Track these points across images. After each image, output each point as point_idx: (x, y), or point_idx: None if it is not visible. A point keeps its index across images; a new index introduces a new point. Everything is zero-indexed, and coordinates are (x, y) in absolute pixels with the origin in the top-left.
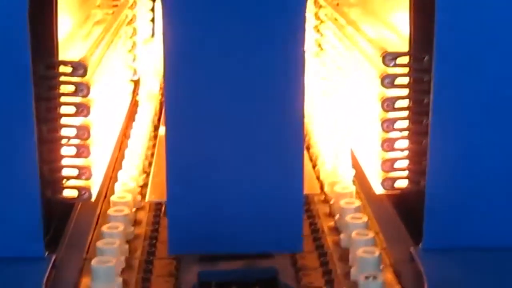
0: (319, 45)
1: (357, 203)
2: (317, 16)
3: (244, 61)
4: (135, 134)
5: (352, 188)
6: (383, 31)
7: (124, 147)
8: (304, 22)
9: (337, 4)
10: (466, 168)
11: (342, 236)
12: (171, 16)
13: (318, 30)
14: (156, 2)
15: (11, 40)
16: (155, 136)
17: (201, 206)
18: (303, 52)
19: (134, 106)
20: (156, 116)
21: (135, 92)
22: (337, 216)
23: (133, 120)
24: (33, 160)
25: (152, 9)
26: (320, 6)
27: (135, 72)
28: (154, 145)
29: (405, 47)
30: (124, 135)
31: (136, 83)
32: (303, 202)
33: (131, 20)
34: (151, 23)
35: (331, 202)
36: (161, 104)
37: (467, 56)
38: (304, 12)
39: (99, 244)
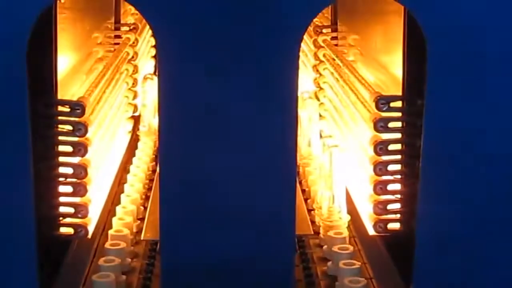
0: (318, 85)
1: (351, 248)
2: (316, 57)
3: (238, 100)
4: (134, 169)
5: (346, 234)
6: (378, 74)
7: (123, 182)
8: (297, 63)
9: (336, 45)
10: (456, 213)
11: (336, 283)
12: (165, 54)
13: (317, 70)
14: None
15: (10, 77)
16: (154, 171)
17: (193, 250)
18: (296, 92)
19: (134, 141)
20: (155, 152)
21: (135, 128)
22: (329, 263)
23: (133, 155)
24: (30, 197)
25: (155, 46)
26: (320, 47)
27: (135, 109)
28: (152, 180)
29: (398, 91)
30: (124, 170)
31: (137, 119)
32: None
33: (133, 57)
34: (154, 59)
35: (324, 248)
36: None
37: (458, 103)
38: (298, 53)
39: (95, 277)
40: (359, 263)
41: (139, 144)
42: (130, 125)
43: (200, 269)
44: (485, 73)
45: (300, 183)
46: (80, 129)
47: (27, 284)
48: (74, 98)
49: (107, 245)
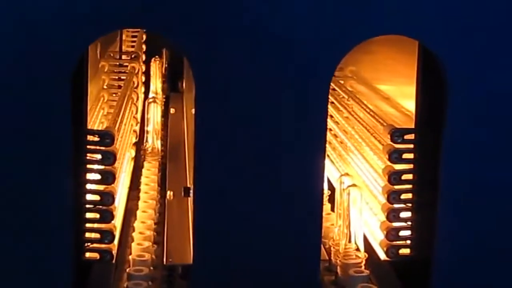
0: None
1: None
2: None
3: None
4: (143, 196)
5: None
6: (384, 106)
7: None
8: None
9: (334, 76)
10: (471, 243)
11: None
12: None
13: None
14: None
15: (56, 108)
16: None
17: (224, 269)
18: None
19: (137, 168)
20: (160, 177)
21: (137, 153)
22: None
23: (139, 180)
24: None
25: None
26: None
27: (137, 136)
28: (161, 210)
29: (409, 124)
30: (129, 196)
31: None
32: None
33: (136, 86)
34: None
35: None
36: (162, 165)
37: (474, 135)
38: (327, 98)
39: None
40: None
41: (145, 167)
42: (133, 151)
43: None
44: (500, 107)
45: None
46: (109, 158)
47: None
48: (93, 127)
49: (130, 271)
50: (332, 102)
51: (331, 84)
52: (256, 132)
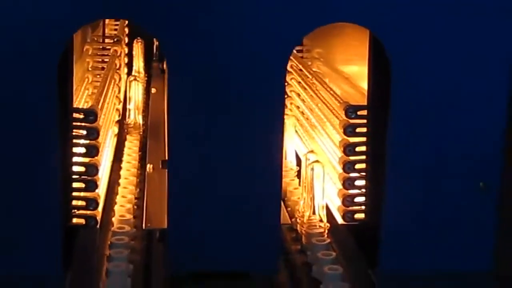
0: (286, 93)
1: (333, 254)
2: None
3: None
4: (126, 165)
5: (327, 240)
6: (341, 84)
7: (113, 180)
8: (284, 86)
9: (302, 57)
10: (415, 207)
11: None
12: (175, 93)
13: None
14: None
15: (43, 89)
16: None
17: (195, 232)
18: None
19: (118, 142)
20: (140, 152)
21: (120, 130)
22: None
23: (122, 154)
24: (56, 190)
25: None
26: None
27: (119, 114)
28: (140, 181)
29: (360, 100)
30: (112, 168)
31: (119, 122)
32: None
33: (119, 68)
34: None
35: (308, 253)
36: (144, 140)
37: (419, 111)
38: (285, 76)
39: (109, 265)
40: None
41: (127, 142)
42: (116, 128)
43: (200, 246)
44: (445, 85)
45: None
46: (93, 133)
47: (52, 269)
48: (79, 106)
49: (114, 228)
50: (300, 82)
51: (299, 65)
52: (222, 110)
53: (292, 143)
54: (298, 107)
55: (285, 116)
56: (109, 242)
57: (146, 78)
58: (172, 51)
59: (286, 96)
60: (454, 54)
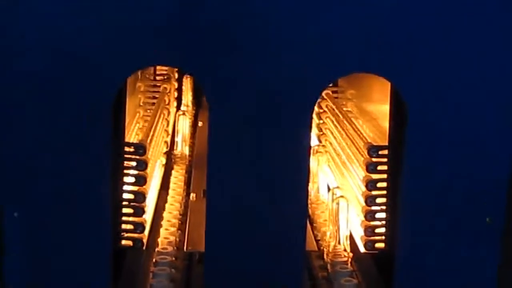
0: (320, 130)
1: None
2: (319, 106)
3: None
4: (171, 193)
5: (350, 268)
6: (369, 124)
7: (159, 207)
8: (311, 123)
9: (336, 97)
10: (427, 237)
11: None
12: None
13: (319, 117)
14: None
15: (99, 125)
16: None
17: (229, 256)
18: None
19: (166, 172)
20: (185, 181)
21: (168, 160)
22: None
23: (168, 183)
24: (108, 216)
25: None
26: (323, 98)
27: (167, 146)
28: (184, 208)
29: (385, 141)
30: (159, 195)
31: (167, 153)
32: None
33: (168, 103)
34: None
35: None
36: (189, 170)
37: (430, 151)
38: (312, 114)
39: (153, 281)
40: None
41: (173, 172)
42: (164, 159)
43: (235, 270)
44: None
45: (310, 223)
46: (142, 165)
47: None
48: (130, 140)
49: (159, 249)
50: (333, 121)
51: (333, 105)
52: (255, 148)
53: (325, 177)
54: (331, 144)
55: (320, 153)
56: (154, 261)
57: (194, 112)
58: (212, 94)
59: (321, 133)
60: (462, 99)
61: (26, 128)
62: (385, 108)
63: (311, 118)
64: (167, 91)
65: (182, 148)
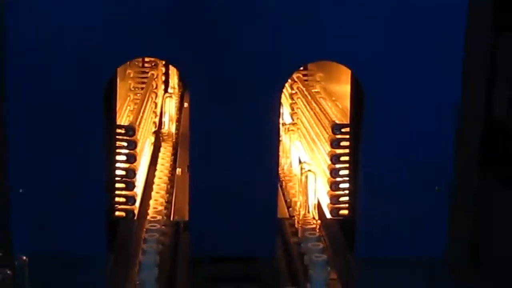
0: (292, 109)
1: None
2: (291, 88)
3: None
4: (160, 167)
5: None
6: (334, 105)
7: (149, 181)
8: (280, 101)
9: (306, 80)
10: (383, 204)
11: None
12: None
13: (292, 98)
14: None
15: (93, 107)
16: (174, 169)
17: (211, 224)
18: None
19: (156, 149)
20: (172, 157)
21: (156, 138)
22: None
23: (157, 159)
24: (102, 190)
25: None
26: (294, 81)
27: (156, 126)
28: (171, 182)
29: (347, 120)
30: (149, 170)
31: (156, 132)
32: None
33: (155, 87)
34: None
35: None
36: (176, 147)
37: (385, 128)
38: (280, 94)
39: (144, 246)
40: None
41: (161, 149)
42: (153, 138)
43: (216, 235)
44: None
45: (283, 194)
46: (132, 145)
47: (99, 250)
48: (122, 122)
49: (149, 218)
50: (302, 101)
51: (303, 87)
52: (232, 126)
53: (297, 152)
54: (302, 122)
55: (292, 131)
56: (144, 229)
57: (179, 93)
58: (191, 79)
59: (293, 112)
60: (411, 84)
61: (33, 114)
62: (349, 89)
63: (280, 98)
64: (155, 76)
65: (169, 127)
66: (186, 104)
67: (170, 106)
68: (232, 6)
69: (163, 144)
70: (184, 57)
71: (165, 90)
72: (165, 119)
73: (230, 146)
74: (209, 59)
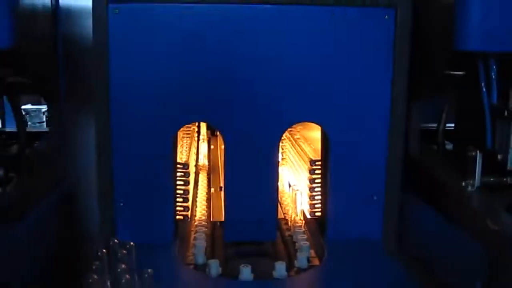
0: (282, 149)
1: (305, 236)
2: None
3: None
4: (200, 191)
5: (303, 228)
6: (309, 147)
7: (195, 196)
8: (279, 148)
9: (290, 130)
10: (344, 205)
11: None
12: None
13: (282, 149)
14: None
15: (165, 155)
16: (208, 190)
17: (237, 223)
18: (278, 161)
19: (197, 175)
20: (207, 181)
21: (196, 168)
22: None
23: (198, 182)
24: (171, 202)
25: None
26: None
27: (196, 160)
28: (208, 197)
29: (319, 156)
30: (194, 190)
31: (196, 164)
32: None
33: (194, 135)
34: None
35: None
36: (209, 174)
37: (343, 162)
38: (279, 144)
39: (195, 235)
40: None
41: (200, 175)
42: (194, 168)
43: (242, 226)
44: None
45: (280, 204)
46: (186, 174)
47: (167, 238)
48: (178, 159)
49: (196, 219)
50: (289, 144)
51: (289, 135)
52: (249, 162)
53: (288, 178)
54: (289, 158)
55: (283, 163)
56: (195, 226)
57: (208, 138)
58: (227, 135)
59: (283, 151)
60: (360, 130)
61: (134, 140)
62: (319, 136)
63: (279, 144)
64: (192, 130)
65: (203, 161)
66: (212, 146)
67: (203, 147)
68: (257, 84)
69: (200, 172)
70: (222, 120)
71: (198, 137)
72: (201, 156)
73: (249, 174)
74: (236, 120)
